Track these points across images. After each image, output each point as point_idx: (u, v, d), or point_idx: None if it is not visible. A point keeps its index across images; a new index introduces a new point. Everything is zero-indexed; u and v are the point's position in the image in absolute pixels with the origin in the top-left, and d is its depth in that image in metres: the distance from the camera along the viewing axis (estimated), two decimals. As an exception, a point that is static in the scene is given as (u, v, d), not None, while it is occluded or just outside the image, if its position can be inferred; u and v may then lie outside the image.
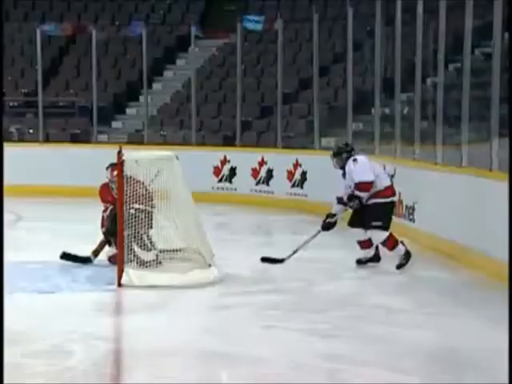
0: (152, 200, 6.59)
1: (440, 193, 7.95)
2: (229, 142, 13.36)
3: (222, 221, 10.67)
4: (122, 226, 6.36)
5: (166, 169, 6.64)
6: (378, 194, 6.87)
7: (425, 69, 9.21)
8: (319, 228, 7.08)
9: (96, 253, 6.93)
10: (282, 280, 6.66)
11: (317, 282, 6.58)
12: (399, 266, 6.84)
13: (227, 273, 6.67)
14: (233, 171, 12.52)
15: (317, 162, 11.17)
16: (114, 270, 6.42)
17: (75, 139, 14.49)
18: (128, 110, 15.59)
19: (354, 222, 7.00)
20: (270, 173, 12.06)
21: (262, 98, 14.47)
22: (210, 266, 6.61)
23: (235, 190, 12.48)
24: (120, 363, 4.77)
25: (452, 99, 8.49)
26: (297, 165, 11.66)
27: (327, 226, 7.00)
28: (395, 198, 7.15)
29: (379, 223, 6.75)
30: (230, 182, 12.55)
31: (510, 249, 5.30)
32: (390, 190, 6.94)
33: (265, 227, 10.58)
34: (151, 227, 6.65)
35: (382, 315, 5.55)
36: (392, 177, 6.91)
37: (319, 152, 11.53)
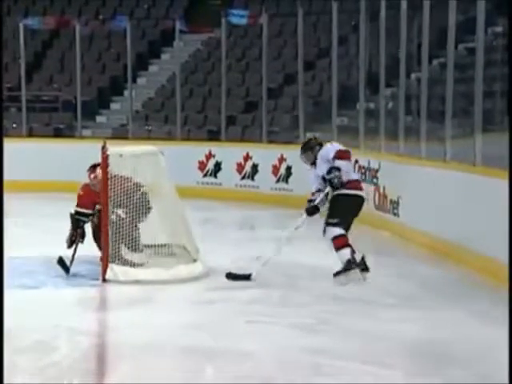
0: (144, 201, 6.47)
1: (424, 187, 7.98)
2: (214, 136, 13.34)
3: (207, 216, 10.66)
4: (107, 221, 6.35)
5: (151, 164, 6.63)
6: (344, 185, 6.21)
7: (409, 64, 9.24)
8: (303, 215, 6.31)
9: (71, 263, 6.52)
10: (267, 275, 6.66)
11: (302, 277, 6.59)
12: (336, 274, 6.17)
13: (212, 268, 6.66)
14: (218, 166, 12.52)
15: (302, 156, 11.17)
16: (99, 265, 6.41)
17: (59, 134, 14.42)
18: (112, 105, 15.52)
19: None
20: (255, 168, 12.07)
21: (247, 93, 14.45)
22: (195, 260, 6.61)
23: (220, 184, 12.47)
24: (104, 358, 4.77)
25: (436, 94, 8.53)
26: (282, 159, 11.66)
27: (312, 209, 6.24)
28: (363, 194, 6.43)
29: (335, 220, 6.13)
30: (215, 176, 12.54)
31: (509, 248, 5.11)
32: (357, 184, 6.39)
33: (250, 222, 10.59)
34: (137, 228, 6.52)
35: (367, 310, 5.57)
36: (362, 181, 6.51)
37: (304, 147, 11.54)
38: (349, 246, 6.15)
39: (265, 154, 12.02)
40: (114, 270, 6.27)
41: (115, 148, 6.54)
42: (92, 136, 13.97)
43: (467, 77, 7.74)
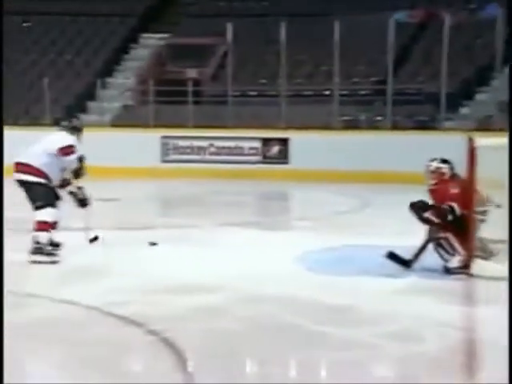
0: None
1: None
2: None
3: None
4: (473, 214, 6.19)
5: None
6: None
7: None
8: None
9: (416, 256, 6.43)
10: None
11: None
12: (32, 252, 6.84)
13: None
14: None
15: None
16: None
17: (422, 126, 14.51)
18: (477, 96, 15.15)
19: None
20: None
21: None
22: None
23: None
24: (472, 353, 4.69)
25: None
26: None
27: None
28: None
29: (40, 203, 6.83)
30: None
31: (509, 247, 5.19)
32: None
33: None
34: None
35: None
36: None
37: None
38: (49, 231, 6.84)
39: None
40: (481, 265, 6.12)
41: (482, 140, 6.34)
42: (454, 127, 13.79)
43: None
